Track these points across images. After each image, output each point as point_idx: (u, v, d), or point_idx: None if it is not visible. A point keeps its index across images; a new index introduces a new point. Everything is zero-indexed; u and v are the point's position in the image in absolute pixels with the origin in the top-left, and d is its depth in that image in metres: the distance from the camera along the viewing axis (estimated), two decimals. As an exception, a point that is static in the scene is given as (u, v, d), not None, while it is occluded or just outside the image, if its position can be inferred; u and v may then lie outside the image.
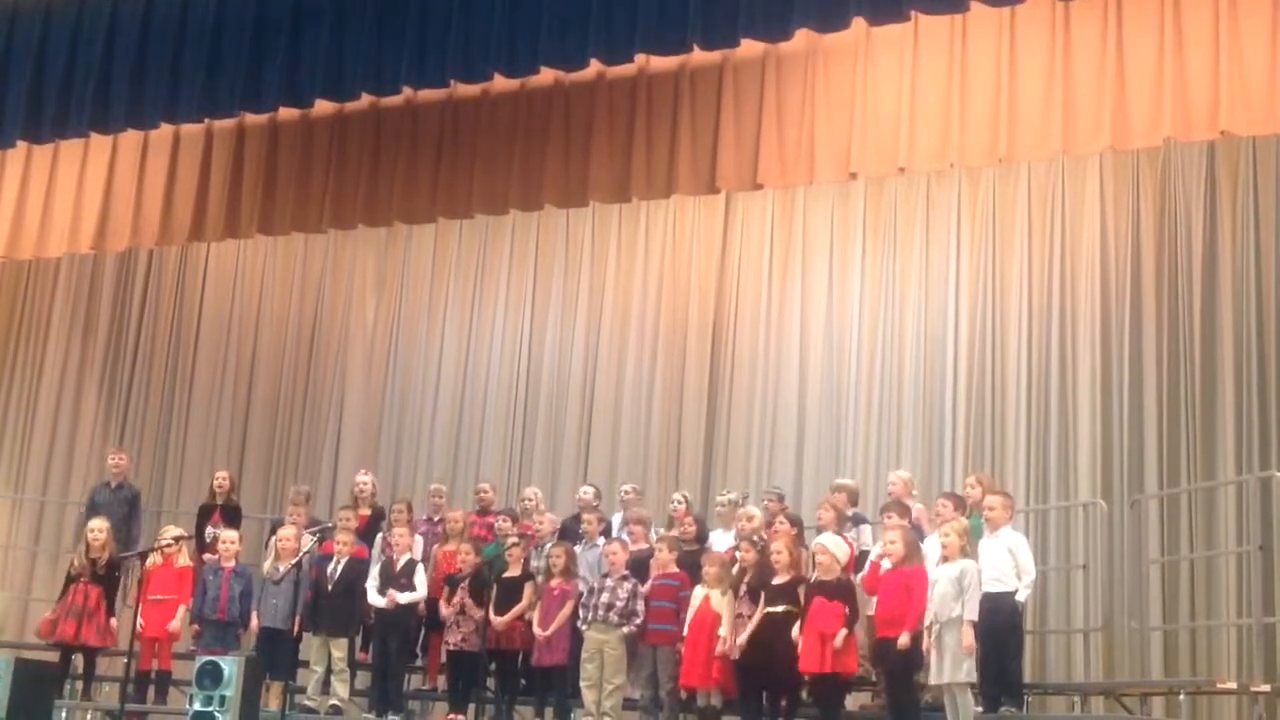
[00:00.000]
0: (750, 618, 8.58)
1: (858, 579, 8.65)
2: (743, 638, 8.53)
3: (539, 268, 13.64)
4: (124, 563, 10.34)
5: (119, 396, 13.82)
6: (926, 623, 8.04)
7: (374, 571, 10.05)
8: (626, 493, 10.78)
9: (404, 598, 9.84)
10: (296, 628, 9.83)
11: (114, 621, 10.22)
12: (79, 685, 10.27)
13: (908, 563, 8.21)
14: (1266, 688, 8.43)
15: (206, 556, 10.54)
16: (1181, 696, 8.75)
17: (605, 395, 13.01)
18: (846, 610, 8.16)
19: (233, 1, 10.87)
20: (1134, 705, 8.89)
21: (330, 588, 9.88)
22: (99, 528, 10.33)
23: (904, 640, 7.96)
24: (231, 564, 10.21)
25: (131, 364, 13.94)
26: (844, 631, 8.10)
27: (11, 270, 13.52)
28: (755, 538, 9.04)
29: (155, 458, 13.69)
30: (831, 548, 8.44)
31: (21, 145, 11.70)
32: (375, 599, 9.89)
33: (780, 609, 8.47)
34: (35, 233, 12.00)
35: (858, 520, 9.54)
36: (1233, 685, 8.57)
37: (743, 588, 8.74)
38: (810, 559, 8.75)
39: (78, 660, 10.31)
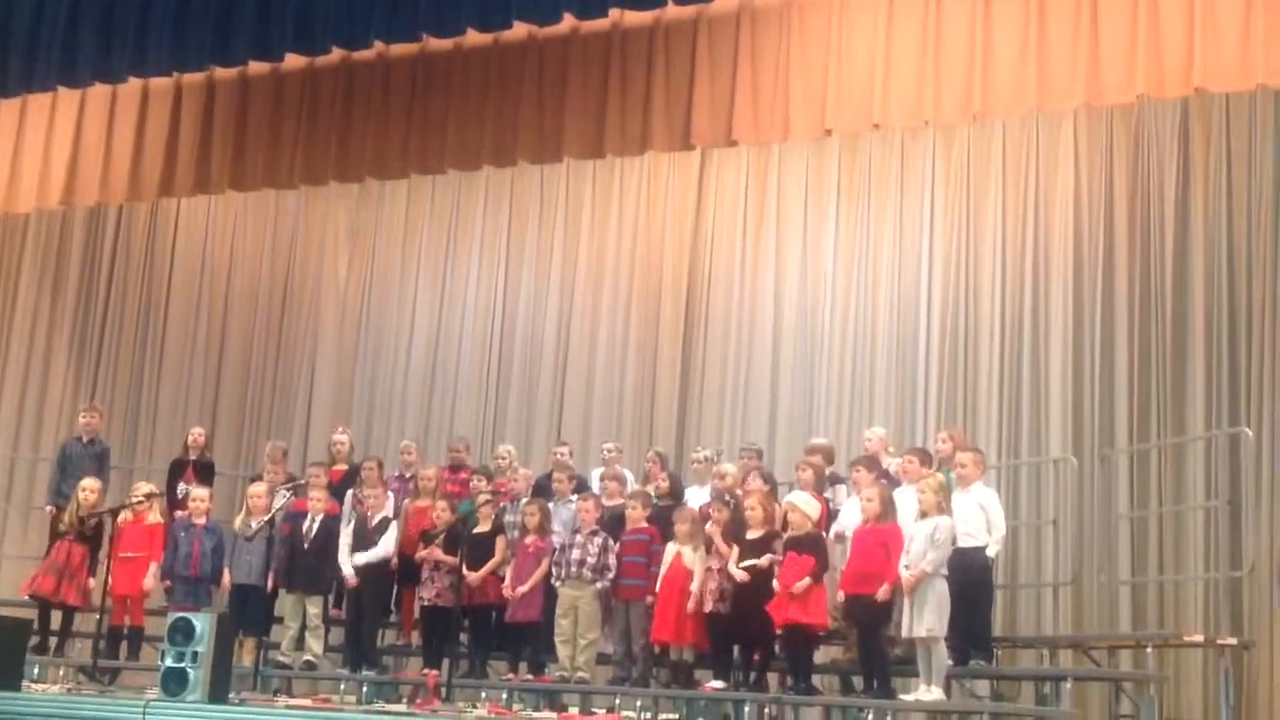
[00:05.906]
0: (719, 570, 8.62)
1: (830, 535, 8.69)
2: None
3: (513, 224, 13.58)
4: (99, 520, 10.28)
5: (89, 353, 13.68)
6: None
7: (347, 530, 10.03)
8: (609, 451, 10.75)
9: (361, 558, 9.82)
10: (271, 584, 9.85)
11: (91, 581, 10.18)
12: (52, 641, 10.24)
13: (883, 520, 8.23)
14: (1233, 640, 8.56)
15: (178, 513, 10.50)
16: (1149, 649, 8.84)
17: (579, 352, 13.00)
18: (814, 563, 8.20)
19: (201, -47, 10.74)
20: (1102, 658, 9.00)
21: (306, 545, 9.86)
22: (92, 487, 10.26)
23: (884, 592, 7.97)
24: (203, 520, 10.17)
25: (102, 320, 13.79)
26: (806, 580, 8.14)
27: (-21, 226, 13.37)
28: (727, 496, 9.07)
29: (127, 414, 13.57)
30: (802, 505, 8.47)
31: (-12, 100, 11.57)
32: (345, 565, 9.86)
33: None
34: (3, 188, 11.84)
35: (834, 480, 9.57)
36: (1200, 638, 8.69)
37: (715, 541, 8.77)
38: (782, 516, 8.79)
39: (55, 617, 10.25)
